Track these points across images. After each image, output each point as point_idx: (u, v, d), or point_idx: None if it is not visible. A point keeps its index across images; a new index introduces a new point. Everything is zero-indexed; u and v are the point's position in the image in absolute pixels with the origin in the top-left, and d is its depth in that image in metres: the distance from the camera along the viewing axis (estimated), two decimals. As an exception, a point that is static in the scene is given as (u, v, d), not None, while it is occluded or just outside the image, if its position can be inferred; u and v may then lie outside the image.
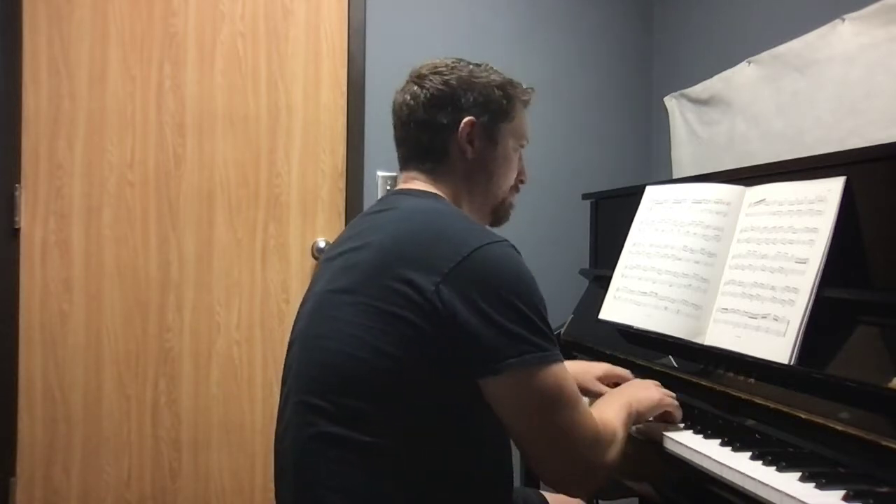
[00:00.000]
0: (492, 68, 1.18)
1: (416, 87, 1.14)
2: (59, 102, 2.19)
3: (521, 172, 1.22)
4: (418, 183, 1.14)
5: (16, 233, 2.16)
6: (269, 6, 2.34)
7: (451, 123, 1.12)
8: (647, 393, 1.20)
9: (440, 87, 1.12)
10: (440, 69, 1.14)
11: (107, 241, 2.22)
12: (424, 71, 1.15)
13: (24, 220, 2.16)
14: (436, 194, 1.11)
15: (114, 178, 2.23)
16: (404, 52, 2.44)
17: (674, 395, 1.24)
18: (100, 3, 2.22)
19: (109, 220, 2.22)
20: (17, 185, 2.15)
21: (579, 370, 1.39)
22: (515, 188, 1.22)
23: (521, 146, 1.21)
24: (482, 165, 1.15)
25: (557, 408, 0.94)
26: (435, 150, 1.13)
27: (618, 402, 1.12)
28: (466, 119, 1.11)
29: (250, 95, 2.33)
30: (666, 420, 1.22)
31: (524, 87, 1.20)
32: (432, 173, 1.14)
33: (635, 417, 1.13)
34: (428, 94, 1.12)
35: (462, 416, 0.96)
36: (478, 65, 1.16)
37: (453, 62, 1.15)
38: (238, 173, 2.32)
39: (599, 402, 1.16)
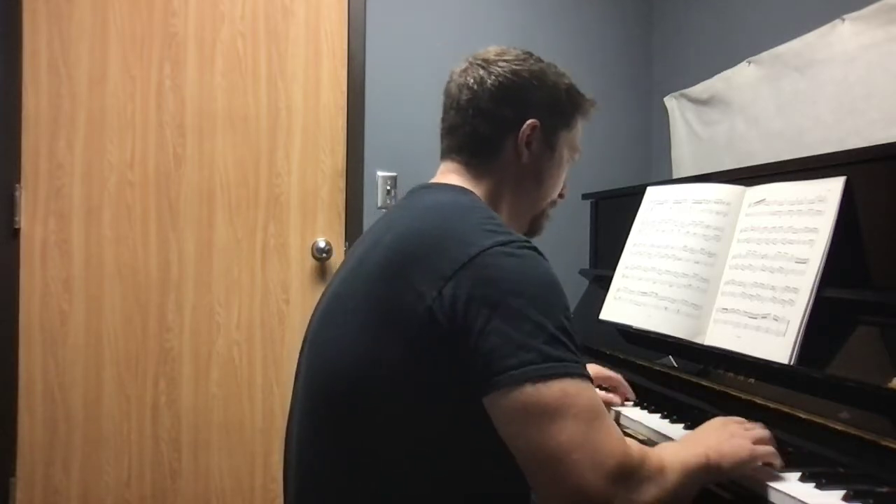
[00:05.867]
0: (561, 71, 1.09)
1: (482, 72, 1.03)
2: (59, 102, 2.19)
3: (564, 186, 1.15)
4: (454, 177, 1.04)
5: (16, 233, 2.15)
6: (269, 6, 2.34)
7: (515, 120, 1.03)
8: (731, 444, 0.94)
9: (509, 76, 1.03)
10: (509, 57, 1.05)
11: (107, 241, 2.22)
12: (491, 56, 1.05)
13: (24, 220, 2.16)
14: (466, 190, 1.02)
15: (114, 178, 2.23)
16: (404, 52, 2.45)
17: (768, 434, 1.01)
18: (100, 3, 2.22)
19: (109, 220, 2.22)
20: (17, 185, 2.15)
21: None
22: (555, 202, 1.15)
23: (573, 159, 1.14)
24: (535, 172, 1.07)
25: (564, 424, 0.78)
26: (490, 144, 1.03)
27: (689, 448, 0.91)
28: (531, 121, 1.03)
29: (250, 95, 2.33)
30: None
31: (589, 98, 1.13)
32: (476, 169, 1.04)
33: (714, 473, 0.90)
34: (496, 82, 1.02)
35: (470, 433, 0.87)
36: (550, 64, 1.08)
37: (524, 53, 1.07)
38: (238, 173, 2.32)
39: (670, 444, 1.00)
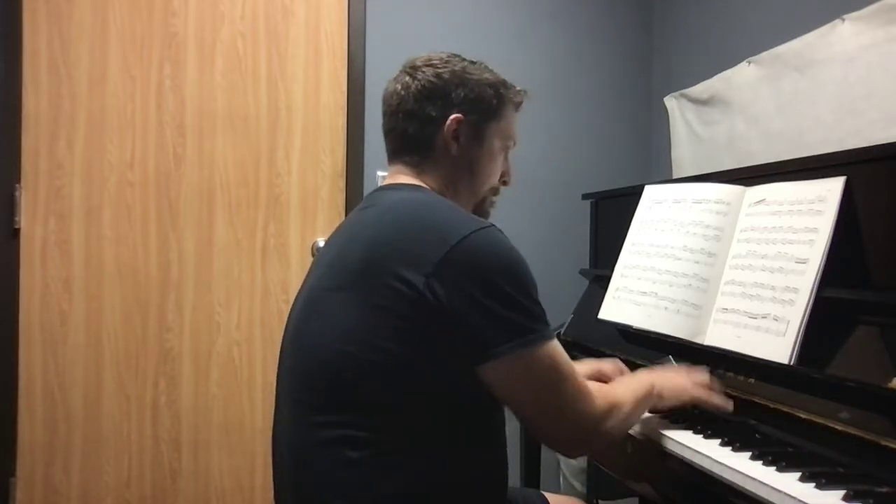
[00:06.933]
0: (486, 67, 1.17)
1: (407, 78, 1.14)
2: (59, 102, 2.19)
3: (505, 173, 1.22)
4: (403, 177, 1.14)
5: (16, 233, 2.16)
6: (269, 6, 2.34)
7: (439, 117, 1.11)
8: (675, 379, 1.20)
9: (432, 79, 1.12)
10: (434, 62, 1.14)
11: (107, 241, 2.22)
12: (418, 63, 1.15)
13: (24, 220, 2.16)
14: (419, 186, 1.12)
15: (114, 178, 2.23)
16: (404, 52, 2.41)
17: (707, 378, 1.22)
18: (100, 3, 2.22)
19: (109, 220, 2.22)
20: (17, 185, 2.15)
21: None
22: (497, 189, 1.22)
23: (508, 147, 1.21)
24: (466, 163, 1.14)
25: (554, 383, 0.97)
26: (421, 142, 1.13)
27: (637, 380, 1.15)
28: (454, 116, 1.11)
29: (250, 95, 2.33)
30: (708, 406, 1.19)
31: (517, 89, 1.20)
32: (418, 167, 1.13)
33: (656, 399, 1.14)
34: (419, 86, 1.12)
35: (458, 410, 0.97)
36: (473, 62, 1.16)
37: (448, 56, 1.15)
38: (238, 173, 2.32)
39: (621, 378, 1.23)
